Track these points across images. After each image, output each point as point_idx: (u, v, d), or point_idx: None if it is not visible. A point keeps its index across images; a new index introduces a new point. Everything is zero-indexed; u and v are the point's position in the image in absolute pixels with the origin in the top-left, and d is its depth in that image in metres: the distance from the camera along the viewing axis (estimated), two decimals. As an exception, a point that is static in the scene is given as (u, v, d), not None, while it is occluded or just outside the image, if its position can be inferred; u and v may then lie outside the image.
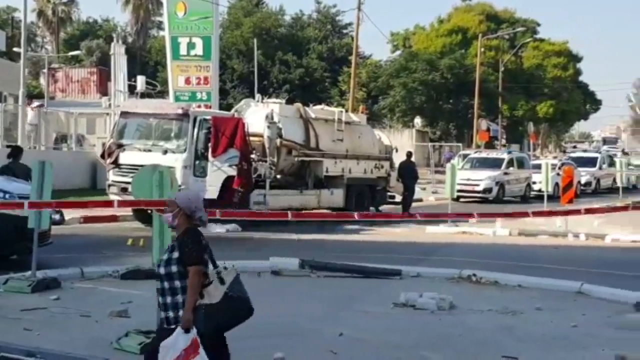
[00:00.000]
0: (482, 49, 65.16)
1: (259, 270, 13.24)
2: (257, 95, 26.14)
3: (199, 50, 34.49)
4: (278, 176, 22.32)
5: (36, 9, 70.21)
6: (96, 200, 19.81)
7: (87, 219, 20.09)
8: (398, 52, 75.67)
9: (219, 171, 20.20)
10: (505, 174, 34.29)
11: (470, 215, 14.71)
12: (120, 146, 20.82)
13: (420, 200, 31.07)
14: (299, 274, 13.15)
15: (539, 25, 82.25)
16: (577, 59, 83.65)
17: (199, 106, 28.43)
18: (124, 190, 18.84)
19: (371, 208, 25.45)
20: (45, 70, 54.78)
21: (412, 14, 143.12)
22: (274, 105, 22.94)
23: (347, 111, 29.99)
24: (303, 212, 21.75)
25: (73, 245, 15.95)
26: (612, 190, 40.28)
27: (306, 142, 22.91)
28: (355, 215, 13.88)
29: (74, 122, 34.73)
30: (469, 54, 70.69)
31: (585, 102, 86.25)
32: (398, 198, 27.12)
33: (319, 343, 8.72)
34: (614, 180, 41.14)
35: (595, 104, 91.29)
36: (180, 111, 20.81)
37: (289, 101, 29.80)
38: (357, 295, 11.56)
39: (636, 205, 17.90)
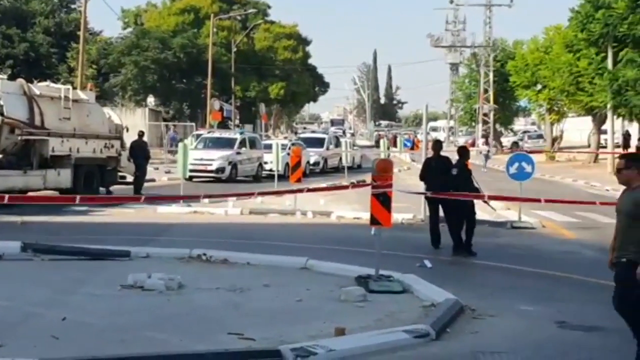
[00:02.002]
0: (215, 29, 65.66)
1: (-23, 255, 12.58)
2: (-23, 71, 24.75)
3: None
4: None
5: None
6: None
7: None
8: (129, 30, 74.39)
9: None
10: (238, 153, 34.77)
11: (197, 197, 14.80)
12: None
13: (152, 180, 30.80)
14: (21, 258, 12.58)
15: (269, 7, 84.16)
16: (306, 42, 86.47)
17: None
18: None
19: (101, 189, 24.96)
20: None
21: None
22: (-5, 81, 21.86)
23: (75, 89, 29.08)
24: (25, 195, 20.99)
25: None
26: (339, 169, 41.98)
27: (30, 120, 21.96)
28: (77, 199, 13.40)
29: None
30: (202, 33, 70.91)
31: (314, 84, 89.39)
32: (130, 178, 26.75)
33: (40, 328, 8.41)
34: (341, 159, 42.89)
35: (324, 86, 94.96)
36: None
37: (12, 77, 28.40)
38: (84, 278, 11.24)
39: (358, 184, 18.75)
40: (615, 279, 7.33)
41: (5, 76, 25.54)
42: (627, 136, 46.89)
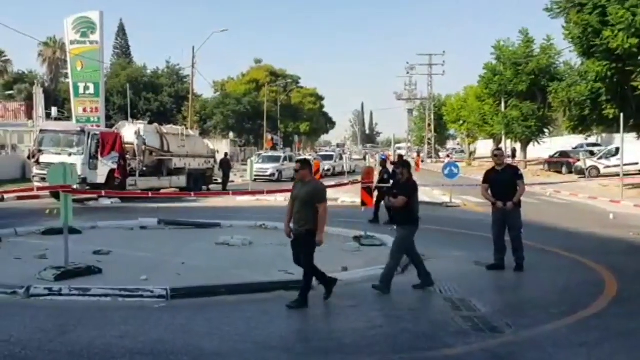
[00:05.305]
0: (267, 92, 65.71)
1: (132, 226, 12.70)
2: (130, 119, 24.97)
3: (91, 90, 33.43)
4: (144, 169, 21.40)
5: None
6: (22, 187, 18.13)
7: (19, 198, 18.60)
8: (218, 93, 74.58)
9: (105, 166, 19.19)
10: (282, 165, 34.72)
11: (261, 192, 14.80)
12: (40, 151, 19.33)
13: (233, 181, 30.82)
14: (157, 228, 12.74)
15: (300, 78, 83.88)
16: (321, 98, 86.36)
17: (92, 126, 26.79)
18: (43, 179, 17.43)
19: (203, 187, 25.06)
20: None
21: (225, 69, 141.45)
22: (140, 125, 22.06)
23: (187, 128, 29.20)
24: (160, 191, 21.13)
25: (10, 215, 14.57)
26: (342, 173, 41.82)
27: (161, 147, 22.16)
28: (192, 194, 13.53)
29: (9, 136, 32.39)
30: (260, 94, 70.94)
31: (326, 123, 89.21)
32: (219, 181, 26.89)
33: (169, 269, 8.51)
34: (343, 167, 42.78)
35: (332, 124, 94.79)
36: (79, 129, 19.66)
37: (150, 122, 28.61)
38: (193, 239, 11.34)
39: (353, 182, 18.66)
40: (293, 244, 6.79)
41: (146, 122, 25.75)
42: (513, 151, 46.45)
